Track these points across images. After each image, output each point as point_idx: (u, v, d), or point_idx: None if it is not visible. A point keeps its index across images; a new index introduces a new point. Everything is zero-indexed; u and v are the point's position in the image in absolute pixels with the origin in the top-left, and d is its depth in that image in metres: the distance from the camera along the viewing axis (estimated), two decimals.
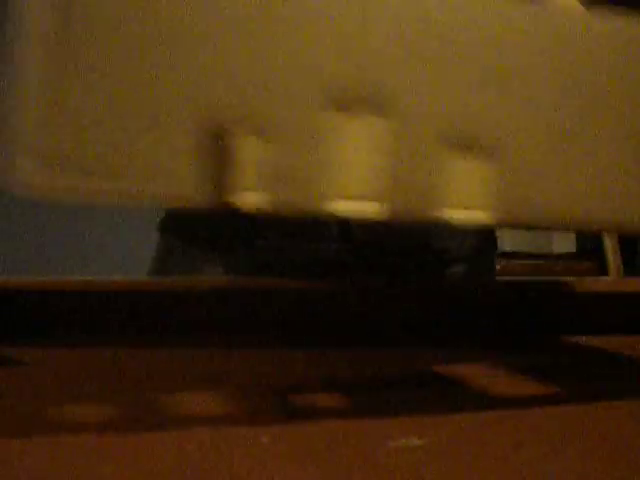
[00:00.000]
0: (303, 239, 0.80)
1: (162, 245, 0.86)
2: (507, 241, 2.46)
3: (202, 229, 0.83)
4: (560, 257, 2.58)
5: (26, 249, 3.06)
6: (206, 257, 0.82)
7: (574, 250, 2.61)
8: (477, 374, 0.54)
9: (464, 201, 0.40)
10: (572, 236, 2.62)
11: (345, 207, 0.38)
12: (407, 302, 0.65)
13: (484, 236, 0.87)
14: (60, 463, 0.35)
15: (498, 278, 0.94)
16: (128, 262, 2.35)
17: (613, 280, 1.45)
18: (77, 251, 3.06)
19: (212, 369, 0.55)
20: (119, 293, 0.65)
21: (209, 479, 0.34)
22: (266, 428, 0.41)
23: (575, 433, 0.41)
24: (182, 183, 0.36)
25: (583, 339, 0.63)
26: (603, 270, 2.29)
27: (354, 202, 0.38)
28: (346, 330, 0.64)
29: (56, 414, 0.43)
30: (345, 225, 0.79)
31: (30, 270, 2.93)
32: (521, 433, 0.41)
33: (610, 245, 2.21)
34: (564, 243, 2.66)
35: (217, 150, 0.36)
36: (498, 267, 0.91)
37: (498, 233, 0.93)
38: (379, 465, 0.36)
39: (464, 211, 0.40)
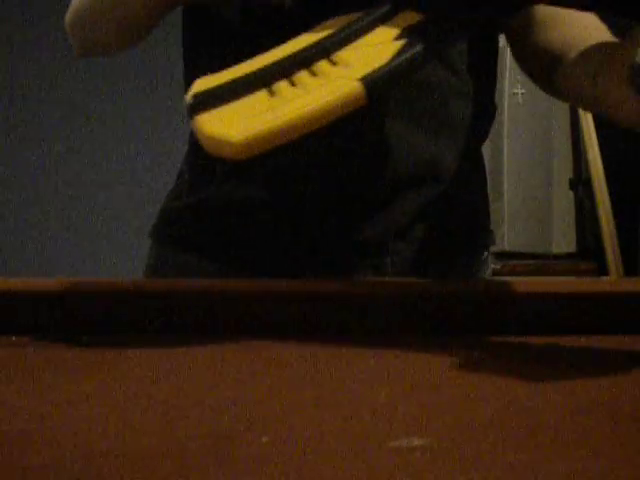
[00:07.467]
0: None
1: (154, 252, 0.86)
2: (507, 241, 2.46)
3: (193, 236, 0.82)
4: (560, 257, 2.58)
5: (27, 249, 3.06)
6: (197, 264, 0.81)
7: (574, 250, 2.61)
8: (477, 373, 0.54)
9: None
10: (572, 236, 2.62)
11: None
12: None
13: None
14: None
15: (498, 278, 0.94)
16: (122, 267, 2.35)
17: (613, 280, 1.45)
18: (72, 256, 3.06)
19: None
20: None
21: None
22: (266, 428, 0.41)
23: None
24: None
25: (583, 339, 0.63)
26: (603, 270, 2.29)
27: None
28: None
29: None
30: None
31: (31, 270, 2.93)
32: (523, 432, 0.41)
33: (610, 245, 2.21)
34: (564, 243, 2.66)
35: None
36: (498, 267, 0.91)
37: (498, 232, 0.93)
38: (379, 465, 0.36)
39: None
